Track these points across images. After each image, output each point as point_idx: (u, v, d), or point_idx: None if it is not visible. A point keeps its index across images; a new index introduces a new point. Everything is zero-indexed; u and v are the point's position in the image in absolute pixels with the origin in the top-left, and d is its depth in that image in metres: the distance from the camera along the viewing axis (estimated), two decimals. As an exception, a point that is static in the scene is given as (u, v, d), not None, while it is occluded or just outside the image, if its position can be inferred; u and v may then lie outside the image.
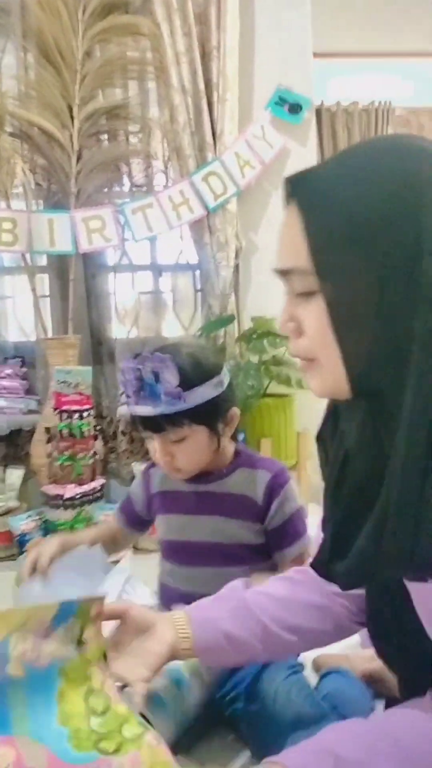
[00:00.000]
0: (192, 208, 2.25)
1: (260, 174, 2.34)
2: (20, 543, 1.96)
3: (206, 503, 1.06)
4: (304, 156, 2.46)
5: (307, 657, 1.03)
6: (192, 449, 0.99)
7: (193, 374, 0.95)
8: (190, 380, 0.94)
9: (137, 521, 1.18)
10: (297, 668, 0.98)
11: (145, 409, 0.94)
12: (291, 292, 0.58)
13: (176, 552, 1.10)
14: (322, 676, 1.03)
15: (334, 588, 0.71)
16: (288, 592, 0.82)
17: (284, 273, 0.58)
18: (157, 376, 0.92)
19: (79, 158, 2.24)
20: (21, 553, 1.94)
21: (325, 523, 0.66)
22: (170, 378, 0.92)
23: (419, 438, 0.51)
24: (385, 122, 3.44)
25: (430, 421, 0.51)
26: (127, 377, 0.95)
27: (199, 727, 0.96)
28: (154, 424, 0.97)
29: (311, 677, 1.02)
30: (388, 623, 0.72)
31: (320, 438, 0.69)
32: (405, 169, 0.52)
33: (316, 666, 1.08)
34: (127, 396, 0.98)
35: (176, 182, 2.29)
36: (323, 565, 0.65)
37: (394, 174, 0.52)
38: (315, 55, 2.51)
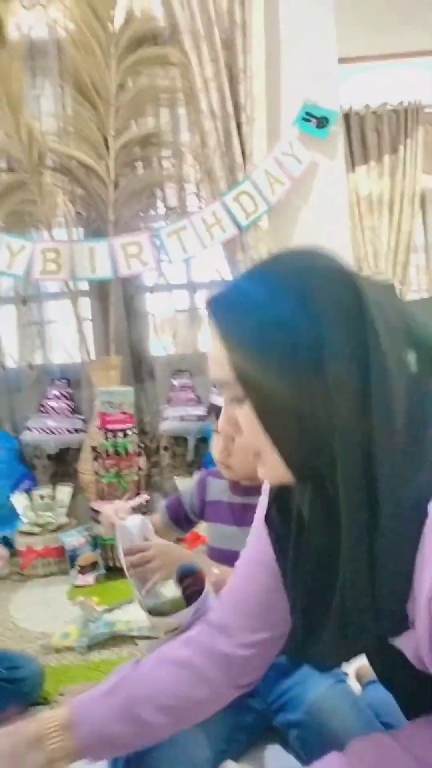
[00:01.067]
0: (224, 227, 2.31)
1: (290, 190, 2.38)
2: (71, 558, 2.04)
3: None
4: (333, 169, 2.49)
5: (350, 666, 1.06)
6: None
7: None
8: None
9: (184, 520, 1.24)
10: (342, 677, 1.01)
11: (221, 400, 1.03)
12: (225, 397, 0.64)
13: (222, 560, 1.14)
14: (366, 686, 1.06)
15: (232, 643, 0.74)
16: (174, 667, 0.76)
17: (216, 382, 0.65)
18: None
19: (115, 187, 2.35)
20: (72, 567, 2.02)
21: (292, 610, 0.69)
22: None
23: (358, 518, 0.56)
24: (415, 122, 3.43)
25: (367, 501, 0.56)
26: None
27: (247, 735, 1.01)
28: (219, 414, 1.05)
29: (354, 687, 1.05)
30: (381, 669, 0.77)
31: (268, 520, 0.74)
32: (302, 285, 0.58)
33: (359, 676, 1.10)
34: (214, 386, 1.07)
35: (209, 204, 2.36)
36: (297, 652, 0.69)
37: (293, 290, 0.58)
38: (341, 60, 2.53)
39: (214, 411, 1.09)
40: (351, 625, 0.59)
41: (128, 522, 1.16)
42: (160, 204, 2.52)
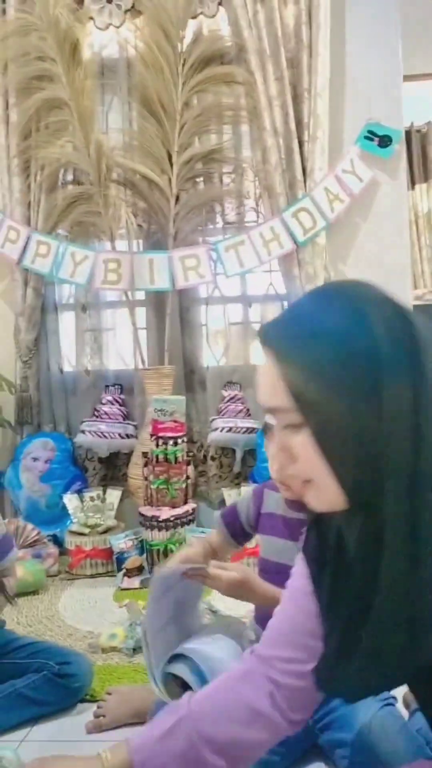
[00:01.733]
0: (282, 243, 2.34)
1: (349, 207, 2.39)
2: (118, 561, 2.09)
3: None
4: (395, 188, 2.49)
5: (398, 692, 1.06)
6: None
7: None
8: None
9: (240, 532, 1.24)
10: (390, 700, 1.00)
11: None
12: (278, 424, 0.65)
13: (273, 573, 1.15)
14: (412, 712, 1.05)
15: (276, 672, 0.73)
16: (227, 701, 0.75)
17: (270, 410, 0.65)
18: None
19: (177, 201, 2.41)
20: (119, 569, 2.07)
21: (326, 638, 0.69)
22: None
23: (403, 548, 0.58)
24: None
25: (412, 530, 0.58)
26: None
27: (292, 750, 1.01)
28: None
29: (402, 712, 1.04)
30: (423, 697, 0.76)
31: (306, 548, 0.74)
32: (355, 312, 0.60)
33: (406, 702, 1.09)
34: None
35: (267, 219, 2.39)
36: (326, 681, 0.69)
37: (347, 318, 0.60)
38: (405, 77, 2.53)
39: (267, 428, 1.09)
40: (384, 657, 0.60)
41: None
42: (219, 219, 2.56)
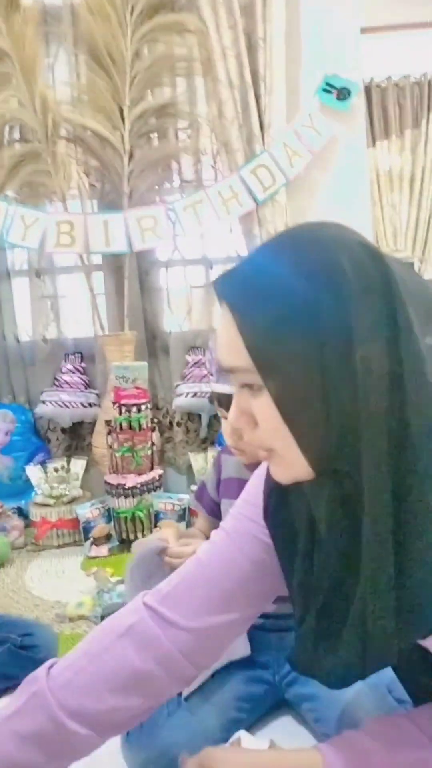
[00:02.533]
0: (241, 201, 2.27)
1: (309, 163, 2.33)
2: (85, 530, 2.07)
3: None
4: (354, 141, 2.44)
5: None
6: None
7: None
8: None
9: (215, 507, 1.22)
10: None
11: (223, 387, 1.03)
12: (237, 386, 0.59)
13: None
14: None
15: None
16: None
17: (228, 369, 0.58)
18: None
19: (130, 158, 2.31)
20: (86, 539, 2.05)
21: (301, 618, 0.64)
22: None
23: (383, 517, 0.52)
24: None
25: (392, 499, 0.52)
26: (212, 356, 1.04)
27: (258, 706, 1.02)
28: (228, 402, 1.02)
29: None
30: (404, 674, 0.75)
31: (267, 516, 0.68)
32: (329, 260, 0.53)
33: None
34: (210, 373, 1.06)
35: (225, 177, 2.32)
36: (307, 665, 0.64)
37: (318, 266, 0.53)
38: (363, 30, 2.46)
39: (216, 398, 1.08)
40: (372, 635, 0.54)
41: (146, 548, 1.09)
42: (175, 177, 2.48)
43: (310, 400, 0.53)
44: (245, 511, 0.73)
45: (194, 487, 2.15)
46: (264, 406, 0.55)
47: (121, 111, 2.28)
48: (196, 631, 0.68)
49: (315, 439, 0.54)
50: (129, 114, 2.28)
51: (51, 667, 0.69)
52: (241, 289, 0.56)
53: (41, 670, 0.70)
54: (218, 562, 0.71)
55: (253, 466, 1.12)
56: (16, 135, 2.42)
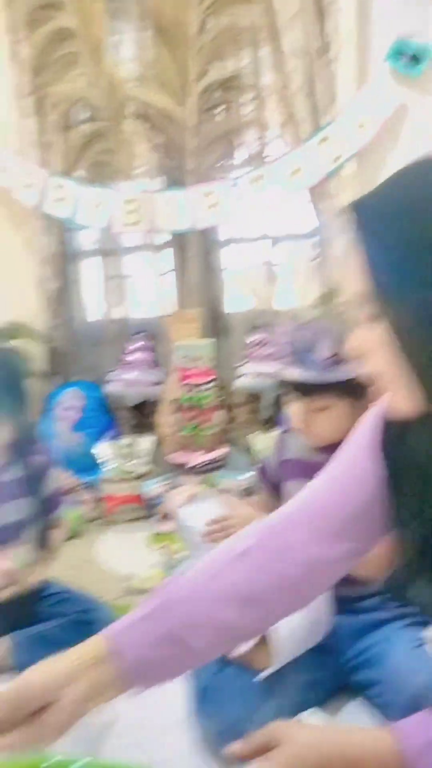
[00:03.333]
0: (308, 174, 2.22)
1: (378, 133, 2.23)
2: (150, 506, 2.12)
3: None
4: (425, 109, 2.30)
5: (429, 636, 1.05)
6: (332, 419, 1.03)
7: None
8: (345, 354, 0.98)
9: (275, 488, 1.22)
10: (422, 641, 1.00)
11: (294, 374, 1.00)
12: (359, 316, 0.59)
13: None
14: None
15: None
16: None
17: (352, 299, 0.59)
18: (313, 344, 0.98)
19: (195, 134, 2.29)
20: (151, 515, 2.10)
21: (404, 548, 0.65)
22: (325, 349, 0.97)
23: None
24: None
25: None
26: (283, 340, 1.02)
27: (322, 691, 1.02)
28: (302, 389, 1.02)
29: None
30: None
31: (384, 446, 0.68)
32: None
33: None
34: (279, 358, 1.05)
35: (291, 150, 2.26)
36: (402, 591, 0.66)
37: None
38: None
39: (286, 384, 1.06)
40: None
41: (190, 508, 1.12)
42: (240, 151, 2.44)
43: (429, 333, 0.52)
44: (355, 447, 0.74)
45: (257, 467, 2.16)
46: (381, 336, 0.55)
47: (186, 85, 2.26)
48: (308, 560, 0.70)
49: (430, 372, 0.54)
50: (193, 88, 2.25)
51: (170, 583, 0.72)
52: (372, 216, 0.56)
53: (167, 581, 0.73)
54: (331, 492, 0.73)
55: (320, 448, 1.11)
56: (84, 115, 2.45)
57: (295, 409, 1.05)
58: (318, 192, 2.25)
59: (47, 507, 1.37)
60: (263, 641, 0.95)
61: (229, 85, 2.34)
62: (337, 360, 0.97)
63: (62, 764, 0.87)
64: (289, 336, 1.02)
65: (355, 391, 1.00)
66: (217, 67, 2.32)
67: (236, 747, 0.64)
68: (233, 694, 0.93)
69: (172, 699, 1.08)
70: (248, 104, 2.38)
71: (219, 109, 2.38)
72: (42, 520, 1.35)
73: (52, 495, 1.39)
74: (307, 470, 1.11)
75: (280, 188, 2.22)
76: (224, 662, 1.04)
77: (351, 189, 2.24)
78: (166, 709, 1.07)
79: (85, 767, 0.88)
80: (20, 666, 1.20)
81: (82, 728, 0.99)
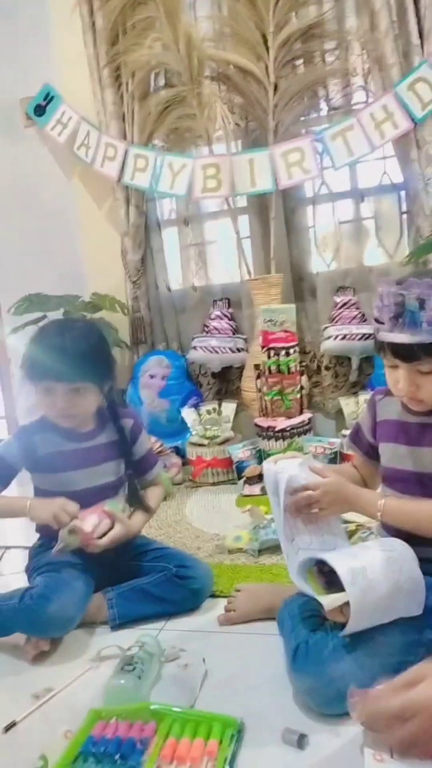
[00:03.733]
0: (396, 122, 2.08)
1: None
2: (238, 469, 2.14)
3: (430, 435, 1.05)
4: None
5: None
6: None
7: None
8: None
9: (370, 449, 1.18)
10: None
11: (403, 337, 0.93)
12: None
13: (398, 481, 1.10)
14: None
15: None
16: None
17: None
18: (422, 303, 0.90)
19: (275, 90, 2.21)
20: (239, 478, 2.12)
21: None
22: None
23: None
24: None
25: None
26: (386, 302, 0.94)
27: (427, 652, 0.99)
28: (408, 353, 0.94)
29: None
30: None
31: None
32: None
33: None
34: (380, 322, 0.96)
35: (378, 97, 2.12)
36: None
37: None
38: None
39: (387, 347, 0.98)
40: None
41: (281, 466, 1.05)
42: (323, 104, 2.33)
43: None
44: None
45: (345, 432, 2.10)
46: None
47: (265, 40, 2.17)
48: None
49: None
50: (273, 42, 2.16)
51: None
52: None
53: None
54: None
55: (420, 411, 1.05)
56: (162, 82, 2.43)
57: (400, 375, 0.98)
58: (407, 141, 2.10)
59: (141, 468, 1.42)
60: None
61: (311, 33, 2.22)
62: None
63: (163, 711, 0.91)
64: (391, 296, 0.93)
65: None
66: (298, 15, 2.21)
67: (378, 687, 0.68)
68: (328, 651, 0.93)
69: (267, 656, 1.10)
70: (331, 53, 2.26)
71: (299, 62, 2.27)
72: (136, 480, 1.40)
73: (146, 456, 1.43)
74: (407, 432, 1.07)
75: (365, 140, 2.10)
76: (318, 623, 1.04)
77: (445, 135, 2.08)
78: (260, 666, 1.09)
79: (184, 716, 0.92)
80: (117, 619, 1.27)
81: (181, 680, 1.04)
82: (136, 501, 1.39)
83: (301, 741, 0.88)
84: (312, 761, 0.85)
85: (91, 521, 1.24)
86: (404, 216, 2.30)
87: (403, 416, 1.08)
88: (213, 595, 1.36)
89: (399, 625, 0.97)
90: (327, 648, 0.94)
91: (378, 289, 0.97)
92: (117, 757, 0.85)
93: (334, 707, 0.91)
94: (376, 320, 0.98)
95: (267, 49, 2.18)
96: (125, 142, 2.41)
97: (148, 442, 1.46)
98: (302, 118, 2.32)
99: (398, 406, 1.10)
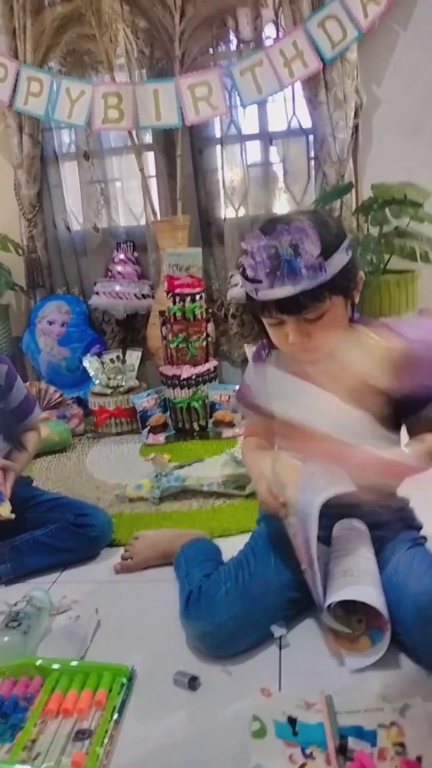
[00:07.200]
0: (306, 61, 2.01)
1: (386, 12, 2.01)
2: (142, 419, 2.09)
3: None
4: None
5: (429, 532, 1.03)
6: (331, 324, 0.89)
7: (330, 240, 0.85)
8: (329, 247, 0.84)
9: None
10: (420, 540, 0.98)
11: (285, 290, 0.84)
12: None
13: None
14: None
15: None
16: None
17: None
18: (296, 249, 0.82)
19: (182, 16, 2.06)
20: (144, 427, 2.07)
21: None
22: (312, 248, 0.82)
23: None
24: None
25: None
26: (259, 258, 0.85)
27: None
28: (294, 305, 0.86)
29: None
30: None
31: None
32: None
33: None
34: (257, 280, 0.86)
35: (288, 32, 2.04)
36: None
37: None
38: None
39: (258, 307, 0.90)
40: None
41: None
42: (232, 36, 2.20)
43: None
44: None
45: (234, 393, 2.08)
46: None
47: None
48: None
49: None
50: (179, -41, 2.00)
51: None
52: None
53: None
54: None
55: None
56: (57, -6, 2.19)
57: (289, 329, 0.90)
58: (317, 81, 2.05)
59: (20, 414, 1.33)
60: None
61: None
62: (325, 256, 0.83)
63: (49, 665, 0.87)
64: (263, 251, 0.84)
65: (345, 285, 0.88)
66: None
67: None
68: (220, 596, 0.92)
69: (162, 603, 1.08)
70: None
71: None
72: (13, 425, 1.31)
73: (24, 402, 1.34)
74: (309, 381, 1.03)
75: (275, 78, 2.02)
76: (213, 566, 1.03)
77: (352, 77, 2.04)
78: (154, 613, 1.07)
79: (71, 669, 0.88)
80: (11, 573, 1.20)
81: (71, 632, 0.99)
82: (13, 440, 1.31)
83: (192, 683, 0.87)
84: (203, 702, 0.85)
85: None
86: (312, 161, 2.26)
87: (291, 366, 1.01)
88: (111, 545, 1.32)
89: (277, 565, 0.97)
90: (220, 592, 0.93)
91: (244, 246, 0.87)
92: (-2, 716, 0.80)
93: (226, 649, 0.91)
94: (251, 280, 0.87)
95: (173, -33, 2.01)
96: (17, 62, 2.17)
97: (24, 388, 1.36)
98: (210, 50, 2.19)
99: (288, 359, 0.99)
